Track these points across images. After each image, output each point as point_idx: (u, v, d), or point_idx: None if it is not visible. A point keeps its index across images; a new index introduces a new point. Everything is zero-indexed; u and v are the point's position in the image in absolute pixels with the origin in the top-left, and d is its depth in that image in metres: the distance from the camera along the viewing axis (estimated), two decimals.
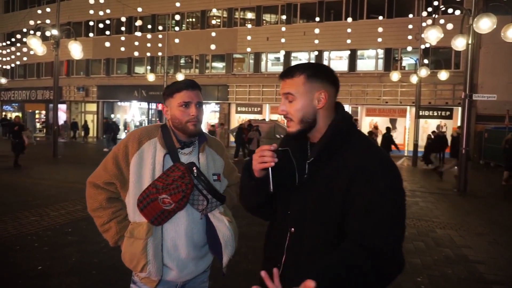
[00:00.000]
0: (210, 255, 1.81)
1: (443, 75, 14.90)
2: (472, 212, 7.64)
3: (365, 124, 22.09)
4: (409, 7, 20.63)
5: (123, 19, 21.81)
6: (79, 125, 28.26)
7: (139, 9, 19.12)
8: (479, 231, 6.20)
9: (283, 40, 20.34)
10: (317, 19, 21.40)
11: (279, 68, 24.38)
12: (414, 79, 17.29)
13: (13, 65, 28.78)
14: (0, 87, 30.76)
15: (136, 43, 21.75)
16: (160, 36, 22.92)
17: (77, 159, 14.95)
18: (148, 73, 24.94)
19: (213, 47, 19.58)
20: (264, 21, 24.85)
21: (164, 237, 1.65)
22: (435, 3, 17.77)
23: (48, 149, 15.57)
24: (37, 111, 33.29)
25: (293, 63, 23.89)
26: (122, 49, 21.82)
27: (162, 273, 1.64)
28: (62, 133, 25.42)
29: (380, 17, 20.18)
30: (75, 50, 12.79)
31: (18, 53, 24.29)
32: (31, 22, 19.64)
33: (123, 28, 24.70)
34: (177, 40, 21.39)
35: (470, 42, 9.69)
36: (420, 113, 18.98)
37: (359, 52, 22.64)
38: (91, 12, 20.91)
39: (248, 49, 22.20)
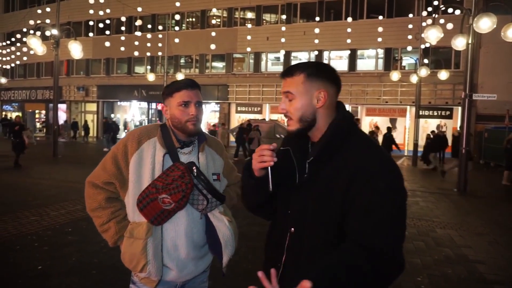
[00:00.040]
0: (210, 255, 1.80)
1: (443, 74, 14.90)
2: (472, 212, 7.65)
3: (365, 124, 22.09)
4: (409, 7, 20.63)
5: (123, 18, 21.82)
6: (79, 125, 28.26)
7: (139, 9, 19.12)
8: (479, 231, 6.20)
9: (283, 39, 20.34)
10: (317, 18, 21.41)
11: (279, 68, 24.37)
12: (414, 78, 17.29)
13: (13, 64, 28.78)
14: (0, 86, 30.76)
15: (136, 43, 21.76)
16: (160, 35, 22.92)
17: (77, 159, 14.95)
18: (148, 72, 24.93)
19: (213, 46, 19.57)
20: (264, 21, 24.85)
21: (164, 237, 1.65)
22: (435, 2, 17.76)
23: (48, 148, 15.58)
24: (37, 111, 33.30)
25: (293, 63, 23.85)
26: (122, 48, 21.84)
27: (162, 273, 1.64)
28: (63, 133, 25.42)
29: (380, 17, 20.18)
30: (75, 49, 12.79)
31: (18, 53, 24.29)
32: (31, 22, 19.64)
33: (123, 28, 24.70)
34: (177, 40, 21.40)
35: (470, 41, 9.69)
36: (420, 113, 18.98)
37: (359, 52, 22.64)
38: (91, 11, 20.90)
39: (248, 49, 22.20)
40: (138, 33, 21.07)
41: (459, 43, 9.76)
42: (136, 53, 22.26)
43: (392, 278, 1.12)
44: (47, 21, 19.78)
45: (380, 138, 14.61)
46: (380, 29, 18.50)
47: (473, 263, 4.63)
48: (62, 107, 28.77)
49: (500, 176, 11.71)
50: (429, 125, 20.92)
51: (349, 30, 19.80)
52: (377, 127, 13.98)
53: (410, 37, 18.84)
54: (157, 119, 27.83)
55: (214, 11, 25.59)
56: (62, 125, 25.34)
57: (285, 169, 1.31)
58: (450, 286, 3.95)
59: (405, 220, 1.18)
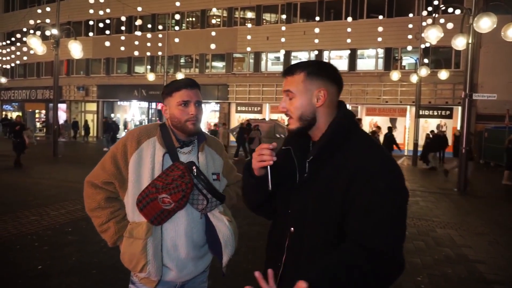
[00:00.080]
0: (210, 255, 1.80)
1: (443, 74, 14.90)
2: (472, 211, 7.65)
3: (365, 124, 22.07)
4: (409, 7, 20.62)
5: (123, 18, 21.82)
6: (80, 124, 28.26)
7: (139, 9, 19.12)
8: (479, 231, 6.20)
9: (283, 39, 20.35)
10: (317, 18, 21.40)
11: (279, 68, 24.37)
12: (414, 78, 17.28)
13: (13, 64, 28.76)
14: (0, 86, 30.75)
15: (136, 43, 21.76)
16: (160, 35, 22.91)
17: (78, 158, 14.96)
18: (148, 72, 24.93)
19: (213, 46, 19.56)
20: (264, 21, 24.84)
21: (163, 237, 1.64)
22: (435, 2, 17.77)
23: (48, 148, 15.58)
24: (37, 111, 33.30)
25: (293, 62, 23.91)
26: (122, 48, 21.85)
27: (161, 273, 1.63)
28: (63, 133, 25.41)
29: (380, 17, 20.17)
30: (75, 49, 12.78)
31: (18, 53, 24.29)
32: (31, 22, 19.64)
33: (123, 28, 24.68)
34: (177, 40, 21.40)
35: (470, 41, 9.69)
36: (420, 113, 18.97)
37: (359, 52, 22.63)
38: (91, 11, 20.90)
39: (248, 49, 22.20)
40: (138, 33, 21.08)
41: (459, 42, 9.76)
42: (136, 53, 22.27)
43: (393, 278, 1.11)
44: (47, 20, 19.77)
45: (381, 138, 14.60)
46: (380, 29, 18.49)
47: (473, 263, 4.63)
48: (62, 106, 28.75)
49: (500, 176, 11.72)
50: (429, 124, 20.91)
51: (349, 29, 19.79)
52: (378, 127, 13.92)
53: (410, 36, 18.84)
54: (157, 119, 27.83)
55: (214, 10, 25.58)
56: (62, 124, 25.33)
57: (286, 169, 1.31)
58: (450, 286, 3.95)
59: (405, 220, 1.17)
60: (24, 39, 14.43)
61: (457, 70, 19.29)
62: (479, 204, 8.43)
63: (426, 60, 18.75)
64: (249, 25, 23.58)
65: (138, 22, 20.52)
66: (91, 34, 25.17)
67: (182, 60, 27.41)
